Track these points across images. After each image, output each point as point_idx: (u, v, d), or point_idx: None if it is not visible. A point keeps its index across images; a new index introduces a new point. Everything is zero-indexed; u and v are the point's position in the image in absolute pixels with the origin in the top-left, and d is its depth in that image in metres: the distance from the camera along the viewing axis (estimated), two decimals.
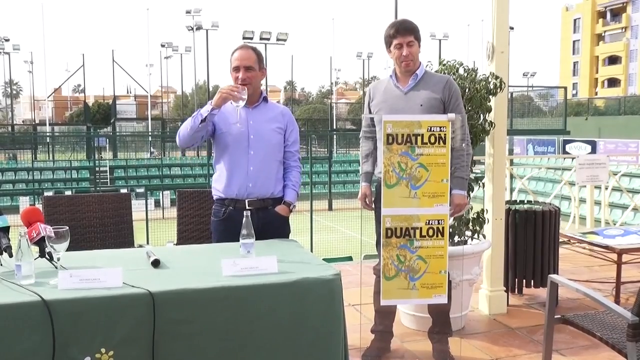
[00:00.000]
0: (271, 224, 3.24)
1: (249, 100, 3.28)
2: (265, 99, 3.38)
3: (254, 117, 3.30)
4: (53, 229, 2.37)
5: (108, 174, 30.54)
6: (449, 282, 3.38)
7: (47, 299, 2.07)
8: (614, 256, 4.66)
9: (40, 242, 2.43)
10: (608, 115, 36.22)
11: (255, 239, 2.88)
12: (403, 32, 3.40)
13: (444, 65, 4.15)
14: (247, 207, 3.18)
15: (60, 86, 58.57)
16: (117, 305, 2.15)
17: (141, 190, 24.36)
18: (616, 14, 64.72)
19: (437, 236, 3.08)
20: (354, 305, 4.18)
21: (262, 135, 3.28)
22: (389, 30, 3.46)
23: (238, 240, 2.74)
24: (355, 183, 30.56)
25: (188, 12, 44.39)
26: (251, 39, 40.77)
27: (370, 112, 3.60)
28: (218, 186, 3.32)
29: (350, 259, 11.22)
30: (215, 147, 3.36)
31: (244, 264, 2.43)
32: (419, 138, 3.01)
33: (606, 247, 4.67)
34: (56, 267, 2.39)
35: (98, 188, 25.99)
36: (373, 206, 3.58)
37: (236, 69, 3.24)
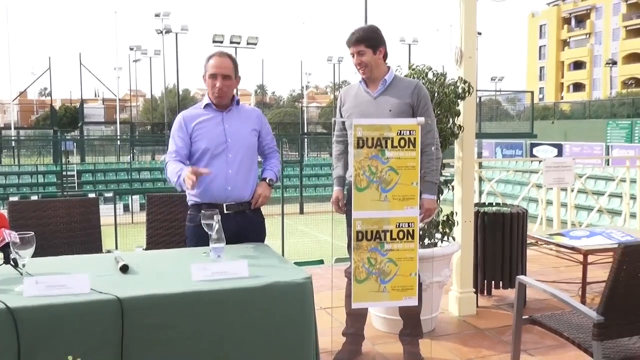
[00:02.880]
0: (247, 227, 3.25)
1: (223, 105, 3.30)
2: (237, 102, 3.38)
3: (229, 121, 3.30)
4: (18, 234, 2.32)
5: (76, 178, 30.09)
6: (419, 284, 3.40)
7: (12, 306, 2.03)
8: (580, 257, 4.73)
9: (5, 249, 2.39)
10: (573, 119, 36.83)
11: (232, 243, 2.91)
12: (353, 42, 3.45)
13: (413, 69, 4.18)
14: (225, 211, 3.17)
15: (25, 89, 57.34)
16: (84, 312, 2.12)
17: (110, 194, 24.05)
18: (580, 20, 65.97)
19: (407, 239, 3.10)
20: (325, 309, 4.18)
21: (239, 138, 3.28)
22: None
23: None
24: (326, 186, 30.60)
25: (157, 15, 43.95)
26: (221, 42, 40.53)
27: (341, 117, 3.62)
28: (194, 191, 3.24)
29: (321, 262, 11.25)
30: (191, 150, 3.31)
31: (214, 268, 2.41)
32: (389, 141, 3.02)
33: (572, 248, 4.74)
34: (21, 274, 2.35)
35: (65, 193, 25.55)
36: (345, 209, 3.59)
37: (213, 76, 3.23)
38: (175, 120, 3.35)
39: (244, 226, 3.23)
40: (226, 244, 2.74)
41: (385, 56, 3.50)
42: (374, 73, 3.48)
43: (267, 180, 3.35)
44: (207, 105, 3.32)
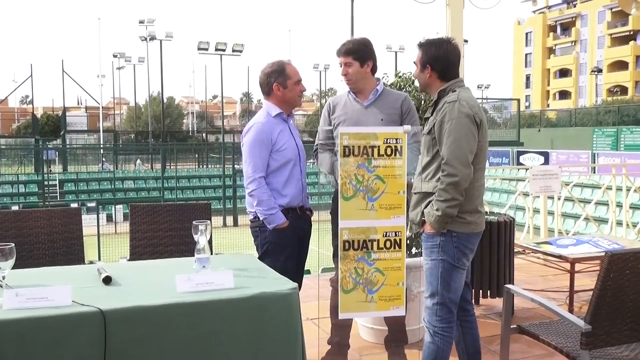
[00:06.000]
0: (311, 227, 3.55)
1: (289, 112, 3.50)
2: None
3: (293, 130, 3.49)
4: None
5: (58, 188, 29.77)
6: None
7: None
8: (567, 265, 4.73)
9: None
10: (560, 127, 37.11)
11: (308, 240, 3.41)
12: (343, 53, 3.49)
13: (400, 77, 4.16)
14: (299, 213, 3.43)
15: (6, 97, 56.58)
16: (66, 325, 2.08)
17: (92, 204, 23.82)
18: (566, 28, 66.66)
19: (394, 248, 3.07)
20: (312, 319, 4.14)
21: (302, 148, 3.51)
22: None
23: (301, 242, 3.33)
24: (313, 195, 30.49)
25: (141, 22, 43.80)
26: (206, 49, 40.48)
27: (330, 125, 3.60)
28: (281, 199, 3.38)
29: (308, 272, 11.15)
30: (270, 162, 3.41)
31: (198, 279, 2.37)
32: (375, 150, 3.00)
33: (559, 257, 4.74)
34: (1, 286, 2.30)
35: (47, 203, 25.26)
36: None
37: (299, 82, 3.45)
38: (257, 131, 3.38)
39: (310, 224, 3.53)
40: (301, 241, 3.18)
41: (373, 70, 3.51)
42: (358, 85, 3.49)
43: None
44: (277, 115, 3.43)
